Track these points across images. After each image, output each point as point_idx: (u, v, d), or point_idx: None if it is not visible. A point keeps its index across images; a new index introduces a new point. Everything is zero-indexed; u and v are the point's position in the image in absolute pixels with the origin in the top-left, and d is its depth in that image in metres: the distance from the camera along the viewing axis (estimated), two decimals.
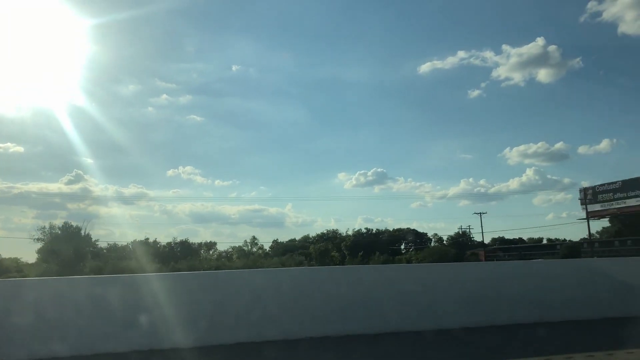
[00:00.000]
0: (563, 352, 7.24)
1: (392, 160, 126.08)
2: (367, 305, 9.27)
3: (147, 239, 62.63)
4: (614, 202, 60.01)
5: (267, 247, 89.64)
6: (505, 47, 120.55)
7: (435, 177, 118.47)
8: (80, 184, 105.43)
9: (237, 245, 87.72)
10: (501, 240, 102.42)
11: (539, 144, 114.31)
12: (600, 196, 61.80)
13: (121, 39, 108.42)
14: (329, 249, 74.80)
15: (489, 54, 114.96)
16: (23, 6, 78.65)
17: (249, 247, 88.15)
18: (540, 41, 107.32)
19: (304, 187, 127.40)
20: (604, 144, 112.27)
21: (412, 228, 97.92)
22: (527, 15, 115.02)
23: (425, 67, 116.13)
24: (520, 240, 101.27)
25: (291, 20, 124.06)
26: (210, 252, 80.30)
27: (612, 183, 60.55)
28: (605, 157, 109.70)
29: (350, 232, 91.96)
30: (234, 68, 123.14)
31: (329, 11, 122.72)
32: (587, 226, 60.62)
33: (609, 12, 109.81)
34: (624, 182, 59.07)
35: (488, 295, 9.97)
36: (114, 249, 60.26)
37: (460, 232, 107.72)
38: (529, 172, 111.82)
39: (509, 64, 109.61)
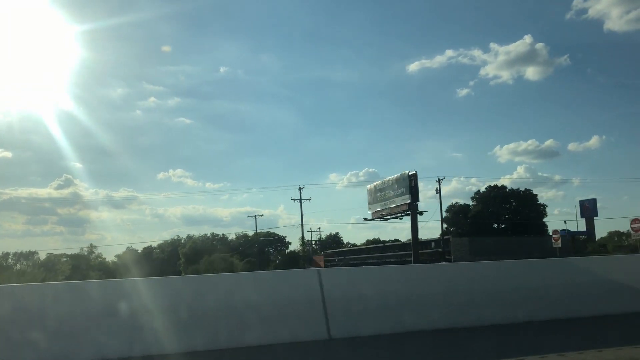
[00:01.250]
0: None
1: (383, 160, 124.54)
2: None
3: None
4: (388, 201, 54.95)
5: None
6: (493, 45, 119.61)
7: (426, 176, 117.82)
8: (70, 189, 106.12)
9: (73, 253, 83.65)
10: (375, 242, 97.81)
11: (529, 142, 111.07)
12: (379, 195, 56.76)
13: (108, 43, 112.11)
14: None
15: (477, 53, 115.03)
16: (10, 11, 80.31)
17: (86, 254, 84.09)
18: (527, 39, 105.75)
19: (296, 188, 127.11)
20: (594, 141, 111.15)
21: (273, 232, 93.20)
22: (514, 13, 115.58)
23: (413, 67, 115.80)
24: (396, 241, 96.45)
25: (278, 21, 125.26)
26: (25, 263, 76.02)
27: (387, 181, 55.40)
28: (595, 154, 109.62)
29: (196, 236, 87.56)
30: (221, 70, 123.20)
31: (316, 12, 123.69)
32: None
33: (595, 9, 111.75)
34: (396, 180, 53.90)
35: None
36: None
37: (332, 235, 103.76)
38: (520, 169, 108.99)
39: (497, 62, 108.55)
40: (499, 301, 8.13)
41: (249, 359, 6.44)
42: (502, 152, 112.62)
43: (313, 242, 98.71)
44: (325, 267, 76.80)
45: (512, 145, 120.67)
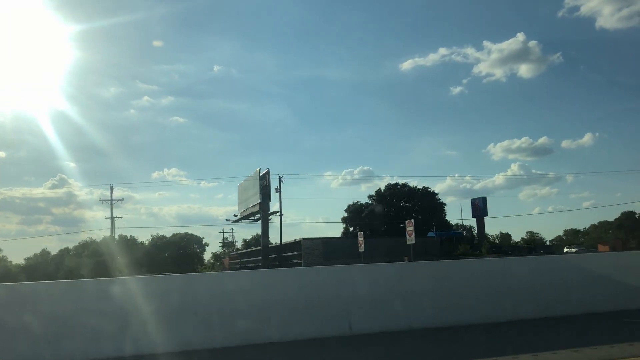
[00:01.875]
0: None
1: (377, 158, 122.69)
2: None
3: None
4: (248, 201, 51.54)
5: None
6: (486, 43, 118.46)
7: (421, 174, 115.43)
8: (64, 188, 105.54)
9: None
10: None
11: (523, 139, 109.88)
12: (244, 194, 53.40)
13: (101, 43, 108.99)
14: None
15: (470, 50, 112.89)
16: (3, 12, 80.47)
17: None
18: (520, 37, 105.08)
19: (291, 187, 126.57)
20: (587, 138, 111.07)
21: (191, 233, 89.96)
22: (507, 11, 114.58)
23: (407, 65, 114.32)
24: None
25: (272, 20, 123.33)
26: None
27: (249, 179, 52.02)
28: (588, 151, 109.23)
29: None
30: (215, 69, 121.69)
31: (309, 11, 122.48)
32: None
33: (587, 7, 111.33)
34: (252, 178, 50.47)
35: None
36: None
37: (257, 235, 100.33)
38: (514, 167, 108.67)
39: (490, 59, 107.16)
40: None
41: None
42: (496, 150, 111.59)
43: (235, 243, 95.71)
44: (230, 269, 73.45)
45: (505, 143, 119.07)
